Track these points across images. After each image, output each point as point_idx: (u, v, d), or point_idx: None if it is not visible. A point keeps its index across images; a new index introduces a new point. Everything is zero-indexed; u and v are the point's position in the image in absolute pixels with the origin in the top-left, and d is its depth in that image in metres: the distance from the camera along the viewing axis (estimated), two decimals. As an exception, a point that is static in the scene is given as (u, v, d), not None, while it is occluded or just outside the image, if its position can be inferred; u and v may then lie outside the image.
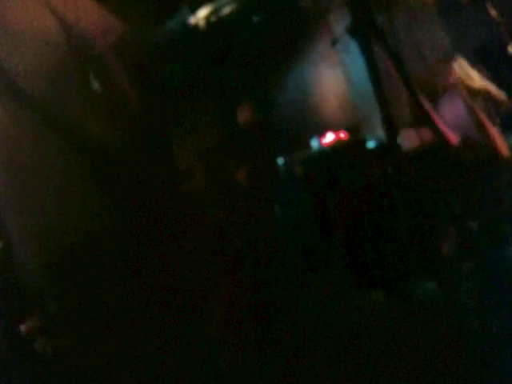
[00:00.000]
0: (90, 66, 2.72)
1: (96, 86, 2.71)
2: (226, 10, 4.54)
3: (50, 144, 2.61)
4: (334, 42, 3.89)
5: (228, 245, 3.67)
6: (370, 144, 4.73)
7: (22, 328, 2.51)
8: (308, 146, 5.19)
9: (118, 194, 2.73)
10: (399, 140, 2.38)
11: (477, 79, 2.81)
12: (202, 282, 2.92)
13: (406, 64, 2.49)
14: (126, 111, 2.81)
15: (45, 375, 2.52)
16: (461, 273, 2.71)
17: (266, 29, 4.90)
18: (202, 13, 4.51)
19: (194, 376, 2.73)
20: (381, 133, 2.60)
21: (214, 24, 4.51)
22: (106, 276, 2.60)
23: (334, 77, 5.39)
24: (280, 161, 5.10)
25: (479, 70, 2.85)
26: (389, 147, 2.36)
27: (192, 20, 4.47)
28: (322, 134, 5.13)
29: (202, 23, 4.49)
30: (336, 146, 5.06)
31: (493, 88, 2.83)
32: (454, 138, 2.69)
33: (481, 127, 2.72)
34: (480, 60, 2.86)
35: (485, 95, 2.81)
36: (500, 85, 2.86)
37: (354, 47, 2.34)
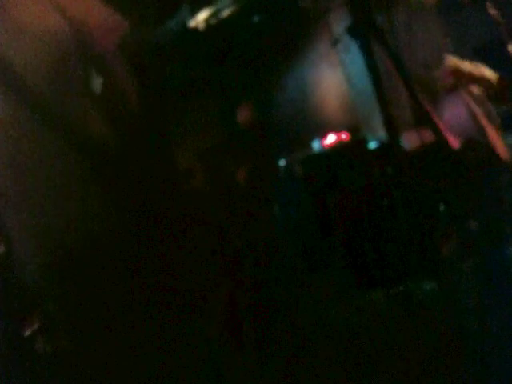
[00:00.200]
0: (92, 64, 2.72)
1: (97, 85, 2.71)
2: (226, 12, 4.54)
3: (50, 144, 2.61)
4: (335, 42, 3.89)
5: (228, 245, 3.67)
6: (371, 144, 4.72)
7: (22, 328, 2.51)
8: (308, 146, 5.19)
9: (118, 194, 2.73)
10: (400, 140, 2.37)
11: (470, 67, 2.79)
12: (201, 281, 2.92)
13: (406, 64, 2.49)
14: (126, 111, 2.81)
15: (45, 375, 2.52)
16: (461, 273, 2.71)
17: (266, 29, 4.90)
18: (202, 15, 4.51)
19: (194, 376, 2.73)
20: (381, 133, 2.60)
21: (214, 26, 4.50)
22: (105, 276, 2.60)
23: (334, 77, 5.38)
24: (280, 161, 5.09)
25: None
26: (390, 147, 2.36)
27: (192, 23, 4.47)
28: (323, 134, 5.12)
29: (201, 26, 4.49)
30: (337, 147, 5.05)
31: (487, 71, 2.81)
32: (453, 140, 2.69)
33: (482, 130, 2.72)
34: (480, 60, 2.85)
35: (482, 82, 2.80)
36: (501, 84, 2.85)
37: (354, 47, 2.34)
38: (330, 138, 5.08)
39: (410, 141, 2.85)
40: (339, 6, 4.50)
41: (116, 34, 2.90)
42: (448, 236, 2.76)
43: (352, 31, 2.29)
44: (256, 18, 4.79)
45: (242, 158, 4.52)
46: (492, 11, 2.79)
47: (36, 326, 2.53)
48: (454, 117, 2.71)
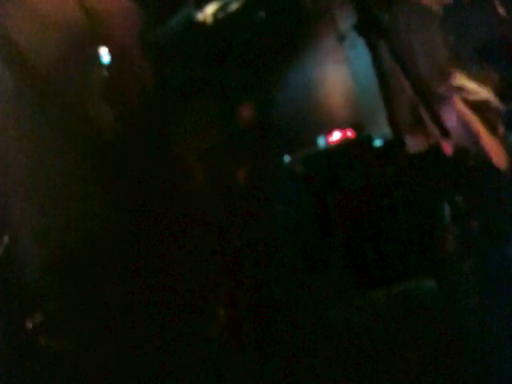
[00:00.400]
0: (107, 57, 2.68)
1: (104, 80, 2.69)
2: (234, 6, 4.52)
3: (51, 143, 2.61)
4: (341, 39, 3.89)
5: (228, 245, 3.67)
6: (376, 142, 4.69)
7: (23, 328, 2.51)
8: (312, 144, 5.15)
9: (119, 193, 2.73)
10: (404, 139, 2.38)
11: (476, 91, 2.80)
12: (202, 282, 2.91)
13: (408, 64, 2.49)
14: (131, 109, 2.81)
15: (45, 375, 2.52)
16: (461, 273, 2.71)
17: (270, 26, 4.88)
18: (210, 9, 4.49)
19: (194, 376, 2.73)
20: (386, 131, 2.60)
21: (221, 21, 4.49)
22: (106, 276, 2.60)
23: (339, 74, 5.34)
24: (281, 160, 5.08)
25: (483, 69, 2.84)
26: (394, 146, 2.36)
27: (199, 16, 4.45)
28: (328, 132, 5.07)
29: (209, 20, 4.48)
30: (339, 145, 5.02)
31: (492, 97, 2.82)
32: (446, 145, 2.70)
33: (473, 138, 2.72)
34: (483, 59, 2.84)
35: (485, 108, 2.80)
36: (502, 84, 2.85)
37: (360, 44, 2.34)
38: (336, 135, 5.04)
39: (411, 140, 2.86)
40: (341, 4, 4.48)
41: (136, 27, 2.86)
42: (450, 235, 2.76)
43: (359, 28, 2.30)
44: (261, 14, 4.76)
45: (242, 158, 4.52)
46: (500, 9, 2.78)
47: (36, 326, 2.53)
48: (446, 123, 2.72)
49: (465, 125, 2.73)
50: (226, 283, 3.50)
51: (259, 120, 4.82)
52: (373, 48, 2.23)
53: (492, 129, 2.78)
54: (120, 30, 2.77)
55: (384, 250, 3.89)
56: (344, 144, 5.00)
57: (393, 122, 2.26)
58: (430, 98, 2.64)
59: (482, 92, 2.79)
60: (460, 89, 2.74)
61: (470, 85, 2.76)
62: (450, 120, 2.73)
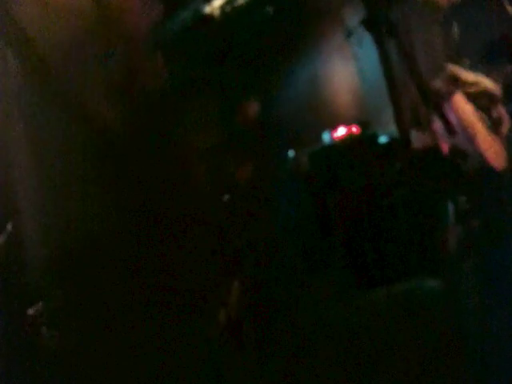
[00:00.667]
0: (117, 49, 2.67)
1: (115, 74, 2.67)
2: (241, 1, 4.51)
3: (51, 143, 2.61)
4: (349, 35, 3.88)
5: (228, 245, 3.67)
6: (382, 139, 4.66)
7: (23, 328, 2.51)
8: (317, 139, 5.11)
9: (119, 193, 2.73)
10: (410, 136, 2.38)
11: (475, 82, 2.79)
12: (202, 282, 2.91)
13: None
14: (134, 108, 2.80)
15: (45, 375, 2.52)
16: (461, 272, 2.71)
17: (278, 22, 4.86)
18: (217, 2, 4.49)
19: (194, 376, 2.72)
20: (391, 128, 2.59)
21: (228, 15, 4.48)
22: (106, 275, 2.60)
23: (346, 70, 5.32)
24: (285, 156, 5.05)
25: (485, 69, 2.83)
26: (400, 143, 2.36)
27: (207, 9, 4.45)
28: (333, 127, 5.03)
29: (216, 13, 4.48)
30: (343, 141, 4.98)
31: (490, 84, 2.81)
32: (444, 145, 2.70)
33: (470, 139, 2.71)
34: (485, 59, 2.84)
35: (486, 100, 2.79)
36: (503, 84, 2.84)
37: (367, 40, 2.33)
38: (341, 131, 5.00)
39: (417, 137, 2.85)
40: (348, 1, 4.46)
41: (148, 24, 2.84)
42: (453, 234, 2.76)
43: (367, 24, 2.29)
44: (268, 9, 4.74)
45: (242, 158, 4.51)
46: (509, 9, 2.78)
47: (36, 326, 2.53)
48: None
49: (464, 125, 2.73)
50: (226, 283, 3.49)
51: (259, 120, 4.81)
52: (380, 44, 2.23)
53: (494, 125, 2.77)
54: (131, 25, 2.75)
55: (384, 250, 3.89)
56: (348, 140, 4.96)
57: (399, 119, 2.26)
58: (433, 97, 2.63)
59: (481, 82, 2.78)
60: (459, 83, 2.74)
61: (469, 77, 2.76)
62: (450, 120, 2.72)
